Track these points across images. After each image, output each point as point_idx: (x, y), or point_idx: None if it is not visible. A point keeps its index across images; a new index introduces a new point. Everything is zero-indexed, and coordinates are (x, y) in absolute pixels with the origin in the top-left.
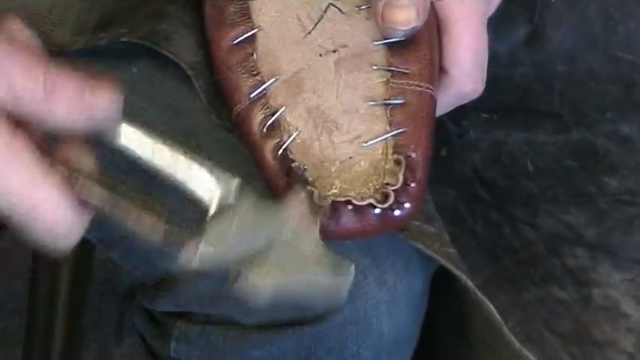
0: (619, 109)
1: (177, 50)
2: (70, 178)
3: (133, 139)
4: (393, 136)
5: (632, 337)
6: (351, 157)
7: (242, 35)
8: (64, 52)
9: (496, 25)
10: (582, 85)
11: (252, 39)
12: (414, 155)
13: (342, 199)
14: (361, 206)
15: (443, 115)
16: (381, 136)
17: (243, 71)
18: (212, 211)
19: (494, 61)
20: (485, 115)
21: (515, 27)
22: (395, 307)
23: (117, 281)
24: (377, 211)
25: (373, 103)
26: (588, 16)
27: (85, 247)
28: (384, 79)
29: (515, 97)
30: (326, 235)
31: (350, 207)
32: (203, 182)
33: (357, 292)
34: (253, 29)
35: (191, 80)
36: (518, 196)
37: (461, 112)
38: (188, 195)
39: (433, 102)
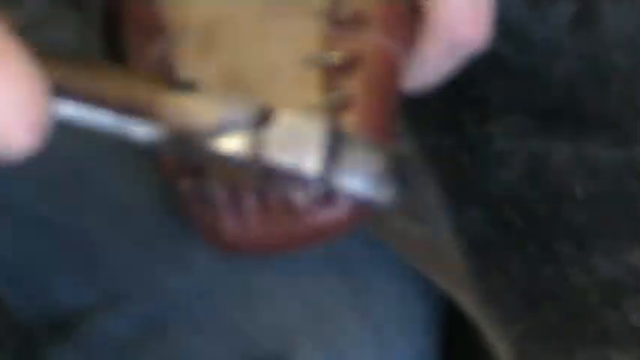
0: None
1: None
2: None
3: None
4: (327, 107)
5: None
6: None
7: None
8: None
9: (532, 2)
10: None
11: None
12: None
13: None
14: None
15: (464, 116)
16: (310, 106)
17: (147, 27)
18: None
19: (530, 48)
20: (516, 120)
21: (558, 5)
22: (387, 349)
23: (14, 322)
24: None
25: (303, 61)
26: None
27: None
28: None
29: (558, 96)
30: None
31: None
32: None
33: (332, 328)
34: None
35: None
36: (563, 228)
37: (483, 113)
38: None
39: (391, 58)
